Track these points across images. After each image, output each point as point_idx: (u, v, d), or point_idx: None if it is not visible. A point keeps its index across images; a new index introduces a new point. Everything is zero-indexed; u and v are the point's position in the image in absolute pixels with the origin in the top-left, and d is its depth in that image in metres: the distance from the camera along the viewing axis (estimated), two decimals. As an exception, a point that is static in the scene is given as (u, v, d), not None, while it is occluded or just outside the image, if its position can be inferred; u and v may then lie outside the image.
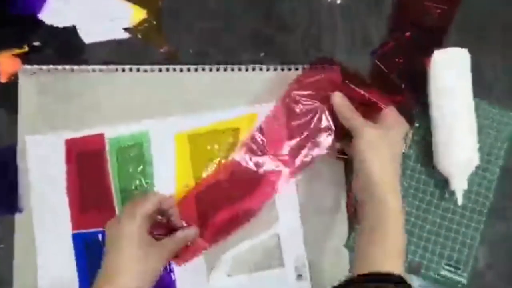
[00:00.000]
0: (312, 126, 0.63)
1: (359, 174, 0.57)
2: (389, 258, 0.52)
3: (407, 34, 0.68)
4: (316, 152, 0.63)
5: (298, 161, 0.63)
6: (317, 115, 0.62)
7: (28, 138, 0.64)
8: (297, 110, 0.63)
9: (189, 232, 0.61)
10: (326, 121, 0.63)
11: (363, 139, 0.57)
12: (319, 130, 0.63)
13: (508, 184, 0.67)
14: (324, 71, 0.64)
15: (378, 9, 0.70)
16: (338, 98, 0.61)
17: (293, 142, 0.63)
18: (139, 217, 0.56)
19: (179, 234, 0.61)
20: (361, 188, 0.56)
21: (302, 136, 0.63)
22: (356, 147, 0.57)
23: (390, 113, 0.60)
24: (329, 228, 0.64)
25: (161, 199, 0.59)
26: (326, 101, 0.62)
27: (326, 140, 0.63)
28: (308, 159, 0.63)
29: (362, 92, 0.61)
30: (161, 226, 0.61)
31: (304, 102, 0.63)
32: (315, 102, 0.63)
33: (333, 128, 0.62)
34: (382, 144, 0.57)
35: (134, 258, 0.54)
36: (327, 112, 0.62)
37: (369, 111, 0.61)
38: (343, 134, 0.61)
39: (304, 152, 0.63)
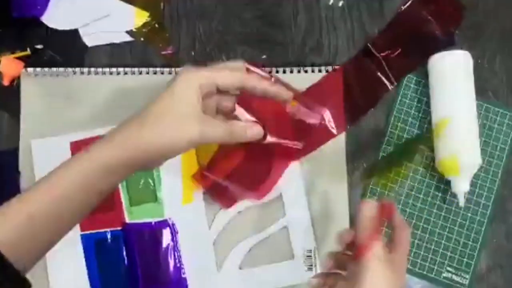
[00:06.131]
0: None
1: None
2: None
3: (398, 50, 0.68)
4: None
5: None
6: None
7: (34, 142, 0.64)
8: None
9: (256, 129, 0.49)
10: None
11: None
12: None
13: (510, 186, 0.67)
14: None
15: (379, 12, 0.70)
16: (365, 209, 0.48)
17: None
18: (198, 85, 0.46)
19: (239, 124, 0.48)
20: None
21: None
22: None
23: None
24: (335, 217, 0.64)
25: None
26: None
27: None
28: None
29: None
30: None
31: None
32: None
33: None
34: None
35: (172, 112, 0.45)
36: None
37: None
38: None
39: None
